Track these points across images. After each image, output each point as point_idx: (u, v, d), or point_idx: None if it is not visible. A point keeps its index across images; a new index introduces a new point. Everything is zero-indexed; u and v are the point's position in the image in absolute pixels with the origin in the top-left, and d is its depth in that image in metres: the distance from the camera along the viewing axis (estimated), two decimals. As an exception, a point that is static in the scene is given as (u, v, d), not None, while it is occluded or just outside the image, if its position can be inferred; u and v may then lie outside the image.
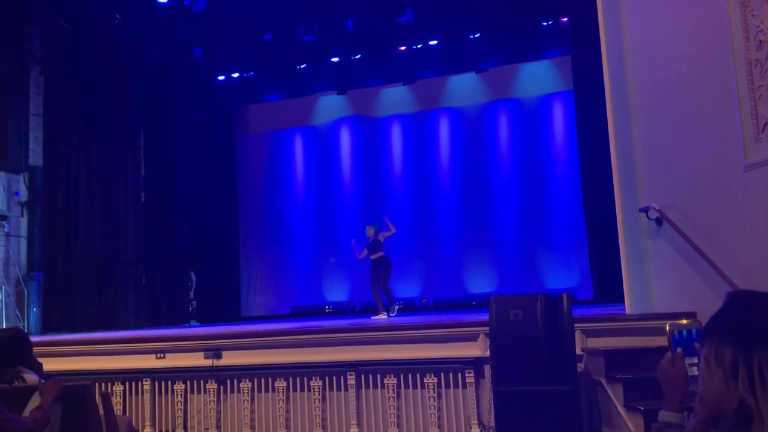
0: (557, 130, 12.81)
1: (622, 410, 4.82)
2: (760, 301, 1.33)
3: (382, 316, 9.02)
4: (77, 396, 3.44)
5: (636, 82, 5.99)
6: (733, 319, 1.33)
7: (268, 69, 13.83)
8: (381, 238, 9.69)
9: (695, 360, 1.60)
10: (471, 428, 5.70)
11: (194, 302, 12.97)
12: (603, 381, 5.11)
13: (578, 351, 5.33)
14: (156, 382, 6.55)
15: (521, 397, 4.87)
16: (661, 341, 5.19)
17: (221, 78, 14.22)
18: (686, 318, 5.41)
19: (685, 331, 1.64)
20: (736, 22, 4.59)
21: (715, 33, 4.82)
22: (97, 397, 3.80)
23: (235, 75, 14.12)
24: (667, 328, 1.65)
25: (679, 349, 1.62)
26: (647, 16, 5.90)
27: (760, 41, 4.34)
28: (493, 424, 5.32)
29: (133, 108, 12.70)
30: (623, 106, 6.06)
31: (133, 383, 6.59)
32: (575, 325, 5.17)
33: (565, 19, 12.02)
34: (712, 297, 4.88)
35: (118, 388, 6.57)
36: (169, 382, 6.51)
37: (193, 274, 13.21)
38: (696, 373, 1.57)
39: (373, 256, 9.63)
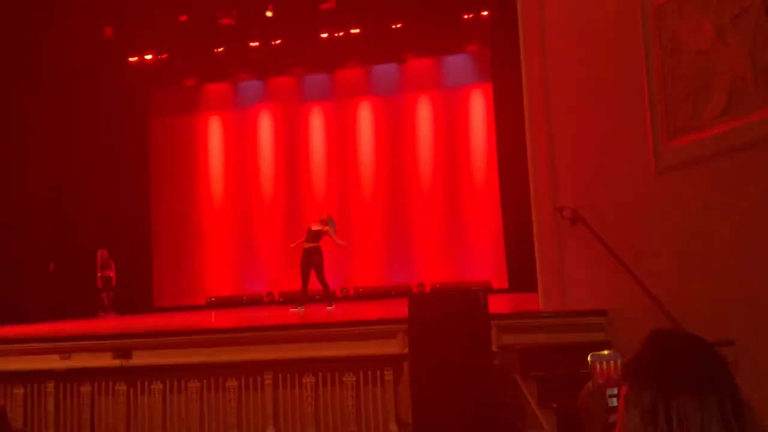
0: (476, 124, 12.97)
1: (536, 407, 4.92)
2: (682, 344, 1.31)
3: (331, 308, 9.10)
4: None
5: (553, 80, 6.06)
6: (653, 362, 1.31)
7: (183, 51, 13.32)
8: (324, 232, 9.48)
9: (615, 391, 1.59)
10: (389, 426, 5.69)
11: (111, 292, 12.32)
12: (518, 378, 5.20)
13: (494, 348, 5.38)
14: (60, 384, 6.20)
15: (438, 394, 4.89)
16: (574, 338, 5.34)
17: (133, 59, 13.58)
18: (597, 315, 5.50)
19: (605, 362, 1.63)
20: (650, 28, 4.70)
21: (631, 37, 4.92)
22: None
23: (148, 57, 13.51)
24: (589, 358, 1.64)
25: (600, 381, 1.61)
26: (566, 16, 5.97)
27: (672, 49, 4.46)
28: (410, 421, 5.33)
29: (38, 88, 11.95)
30: (540, 103, 6.12)
31: (35, 386, 6.22)
32: (492, 321, 5.23)
33: (486, 12, 12.14)
34: (623, 296, 5.02)
35: (18, 391, 6.19)
36: (75, 384, 6.18)
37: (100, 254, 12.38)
38: (615, 404, 1.56)
39: (309, 245, 9.43)
